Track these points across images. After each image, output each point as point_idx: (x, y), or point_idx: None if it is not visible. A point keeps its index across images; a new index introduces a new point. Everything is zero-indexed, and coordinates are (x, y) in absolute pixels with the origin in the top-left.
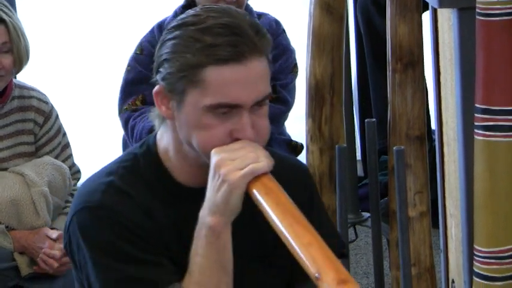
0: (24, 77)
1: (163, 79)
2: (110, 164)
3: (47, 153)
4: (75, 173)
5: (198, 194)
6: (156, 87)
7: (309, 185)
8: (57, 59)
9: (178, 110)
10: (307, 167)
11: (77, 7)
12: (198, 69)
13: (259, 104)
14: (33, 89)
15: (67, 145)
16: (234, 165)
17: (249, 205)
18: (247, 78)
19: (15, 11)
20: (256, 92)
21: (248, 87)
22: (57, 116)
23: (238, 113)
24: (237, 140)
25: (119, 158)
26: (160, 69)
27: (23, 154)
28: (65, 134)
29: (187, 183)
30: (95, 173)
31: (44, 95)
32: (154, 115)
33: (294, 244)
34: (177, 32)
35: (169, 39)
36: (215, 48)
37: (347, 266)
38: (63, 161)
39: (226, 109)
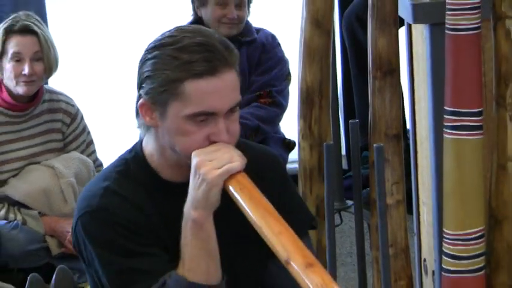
0: (54, 83)
1: (146, 93)
2: (105, 169)
3: (74, 149)
4: (98, 166)
5: (182, 188)
6: (141, 101)
7: (280, 170)
8: (83, 67)
9: (162, 120)
10: (277, 155)
11: (99, 22)
12: (177, 83)
13: (231, 110)
14: (61, 94)
15: (91, 142)
16: (211, 166)
17: (227, 198)
18: (221, 88)
19: (47, 25)
20: (229, 100)
21: (222, 96)
22: (82, 117)
23: (214, 120)
24: (213, 142)
25: (113, 163)
26: (143, 85)
27: (53, 150)
28: (89, 132)
29: (171, 180)
30: (94, 179)
31: (71, 98)
32: (140, 124)
33: (266, 233)
34: (156, 52)
35: (150, 59)
36: (192, 64)
37: (333, 246)
38: (88, 156)
39: (204, 117)
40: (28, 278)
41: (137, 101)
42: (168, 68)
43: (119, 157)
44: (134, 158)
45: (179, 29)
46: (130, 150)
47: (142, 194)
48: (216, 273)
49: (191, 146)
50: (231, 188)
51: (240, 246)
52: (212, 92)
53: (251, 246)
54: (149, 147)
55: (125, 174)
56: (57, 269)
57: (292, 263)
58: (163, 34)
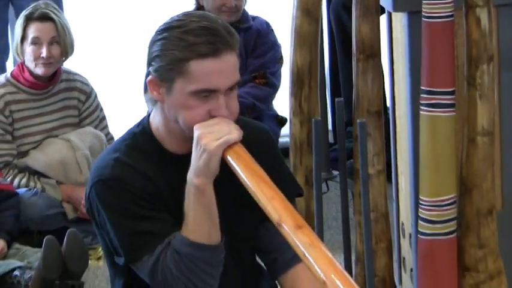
0: (70, 64)
1: (155, 71)
2: (115, 142)
3: (88, 124)
4: (110, 139)
5: (185, 159)
6: (149, 77)
7: (271, 144)
8: (97, 51)
9: (168, 95)
10: (269, 129)
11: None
12: (183, 62)
13: (231, 88)
14: (77, 74)
15: (104, 118)
16: (212, 137)
17: (226, 169)
18: (223, 68)
19: (63, 12)
20: (230, 79)
21: (223, 75)
22: (96, 95)
23: (215, 96)
24: (213, 117)
25: (122, 137)
26: (153, 63)
27: (69, 125)
28: (102, 109)
29: (175, 152)
30: (105, 151)
31: (86, 78)
32: (147, 99)
33: (260, 198)
34: (165, 34)
35: (159, 40)
36: (197, 46)
37: (320, 212)
38: (101, 130)
39: (206, 93)
40: (44, 239)
41: (146, 78)
42: (176, 48)
43: (128, 131)
44: (142, 132)
45: (186, 14)
46: (138, 125)
47: (149, 165)
48: (215, 234)
49: (193, 120)
50: (228, 157)
51: (236, 211)
52: (214, 71)
53: (246, 211)
54: (155, 121)
55: (133, 147)
56: (67, 232)
57: (283, 224)
58: (172, 18)
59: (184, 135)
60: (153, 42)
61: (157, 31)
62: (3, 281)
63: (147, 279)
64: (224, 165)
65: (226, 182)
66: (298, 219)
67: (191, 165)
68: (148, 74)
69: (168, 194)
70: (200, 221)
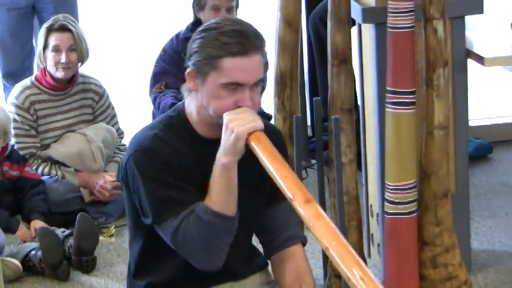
0: (86, 69)
1: (193, 64)
2: (153, 122)
3: (101, 121)
4: (120, 134)
5: (212, 142)
6: (188, 69)
7: (282, 141)
8: (109, 56)
9: (202, 85)
10: (280, 130)
11: (120, 21)
12: (217, 58)
13: (256, 84)
14: (92, 77)
15: (115, 115)
16: (240, 122)
17: (248, 154)
18: (250, 66)
19: (78, 23)
20: (255, 76)
21: (250, 72)
22: (108, 96)
23: (242, 89)
24: (239, 107)
25: (159, 118)
26: (191, 58)
27: (85, 121)
28: (113, 107)
29: (205, 135)
30: (143, 128)
31: (99, 81)
32: (184, 88)
33: (276, 176)
34: (203, 34)
35: (198, 38)
36: (229, 45)
37: None
38: (112, 126)
39: (234, 86)
40: (78, 215)
41: (152, 76)
42: (211, 46)
43: (164, 114)
44: (177, 116)
45: (223, 18)
46: (173, 110)
47: (181, 143)
48: (233, 207)
49: (222, 108)
50: (252, 141)
51: (247, 191)
52: (243, 68)
53: (254, 194)
54: (190, 107)
55: (168, 126)
56: (78, 216)
57: (295, 199)
58: (210, 21)
59: (213, 122)
60: (193, 41)
61: (197, 31)
62: (23, 265)
63: (168, 239)
64: (247, 152)
65: (243, 166)
66: (307, 195)
67: (221, 145)
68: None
69: (195, 169)
70: (221, 194)
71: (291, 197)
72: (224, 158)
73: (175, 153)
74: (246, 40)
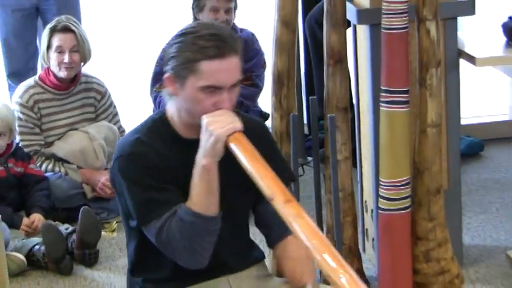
0: (88, 68)
1: (171, 69)
2: (137, 126)
3: (103, 119)
4: (122, 132)
5: (195, 143)
6: (166, 74)
7: (267, 135)
8: (111, 57)
9: (181, 89)
10: (265, 124)
11: (120, 22)
12: (195, 62)
13: (233, 85)
14: (94, 77)
15: (116, 114)
16: (218, 125)
17: (227, 155)
18: (227, 68)
19: (81, 24)
20: (233, 78)
21: (228, 74)
22: (109, 95)
23: (220, 92)
24: (218, 109)
25: (144, 122)
26: (169, 63)
27: (88, 119)
28: (115, 106)
29: (187, 137)
30: (128, 133)
31: (101, 81)
32: (165, 93)
33: (255, 176)
34: (181, 38)
35: (176, 43)
36: (206, 49)
37: (297, 191)
38: (114, 124)
39: (212, 89)
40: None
41: (153, 76)
42: (189, 50)
43: (149, 117)
44: (159, 119)
45: (199, 23)
46: (157, 113)
47: (164, 145)
48: (214, 208)
49: (201, 110)
50: (230, 143)
51: (234, 190)
52: (220, 70)
53: (240, 191)
54: (171, 111)
55: (151, 130)
56: (81, 210)
57: (274, 199)
58: (187, 25)
59: (193, 123)
60: (170, 45)
61: (174, 36)
62: (27, 259)
63: (153, 239)
64: (226, 153)
65: (226, 166)
66: (287, 195)
67: (200, 147)
68: (157, 72)
69: (179, 170)
70: (202, 195)
71: (271, 196)
72: (204, 159)
73: (159, 156)
74: (223, 43)
